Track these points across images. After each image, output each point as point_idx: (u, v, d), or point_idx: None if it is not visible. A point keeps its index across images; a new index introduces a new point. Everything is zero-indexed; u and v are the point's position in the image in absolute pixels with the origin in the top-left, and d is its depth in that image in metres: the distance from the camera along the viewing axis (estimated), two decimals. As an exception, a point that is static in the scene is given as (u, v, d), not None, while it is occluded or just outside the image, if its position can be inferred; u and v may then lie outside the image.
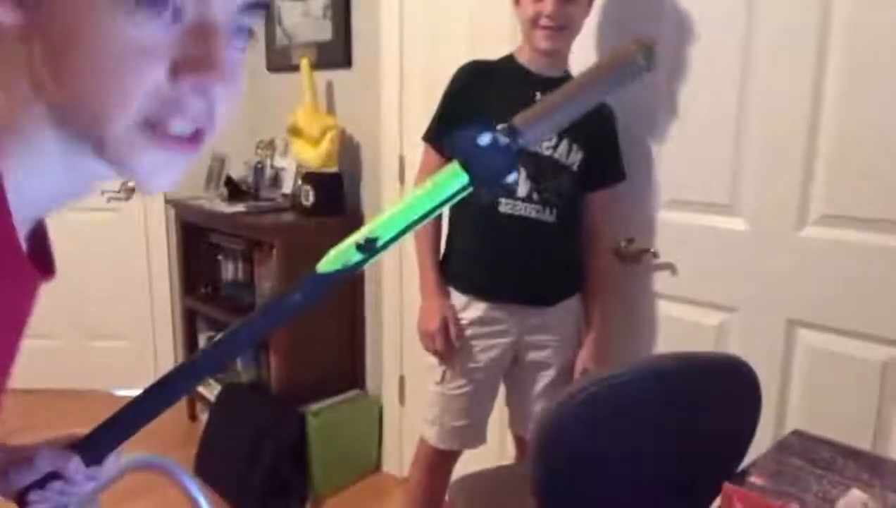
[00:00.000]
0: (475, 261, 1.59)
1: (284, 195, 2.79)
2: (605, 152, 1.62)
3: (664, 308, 1.69)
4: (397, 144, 2.37)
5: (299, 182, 2.60)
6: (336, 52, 2.59)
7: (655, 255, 1.66)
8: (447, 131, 1.59)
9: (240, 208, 2.66)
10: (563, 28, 1.48)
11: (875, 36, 1.30)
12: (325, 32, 2.64)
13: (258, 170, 2.94)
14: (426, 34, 2.23)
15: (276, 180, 2.89)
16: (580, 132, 1.54)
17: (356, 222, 2.61)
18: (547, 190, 1.54)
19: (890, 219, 1.32)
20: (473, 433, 1.68)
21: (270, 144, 2.96)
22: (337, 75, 2.65)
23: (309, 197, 2.49)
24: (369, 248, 0.62)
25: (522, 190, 1.53)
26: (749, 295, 1.53)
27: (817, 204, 1.41)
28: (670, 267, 1.65)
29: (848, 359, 1.40)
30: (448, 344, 1.59)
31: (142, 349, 3.28)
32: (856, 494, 0.89)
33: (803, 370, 1.47)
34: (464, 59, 2.05)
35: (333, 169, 2.51)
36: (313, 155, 2.48)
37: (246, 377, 2.86)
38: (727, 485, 0.92)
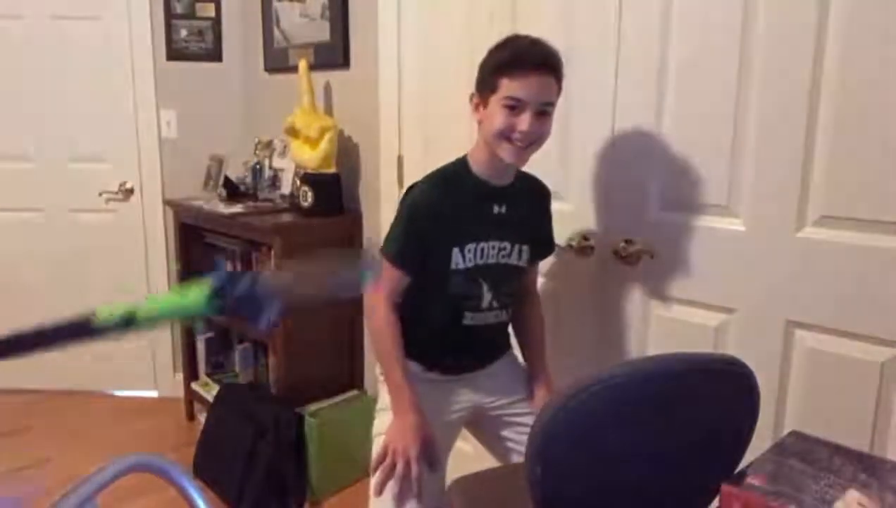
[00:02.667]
0: (437, 359, 1.59)
1: (283, 196, 2.80)
2: (544, 236, 1.65)
3: (662, 309, 1.69)
4: (396, 145, 2.38)
5: (298, 183, 2.60)
6: (334, 53, 2.60)
7: (653, 255, 1.67)
8: (415, 255, 1.48)
9: (238, 208, 2.66)
10: (535, 143, 1.41)
11: (873, 35, 1.30)
12: (322, 33, 2.64)
13: (256, 171, 2.95)
14: (424, 34, 2.23)
15: (274, 181, 2.89)
16: (527, 232, 1.56)
17: (355, 222, 2.62)
18: (504, 294, 1.56)
19: (889, 220, 1.32)
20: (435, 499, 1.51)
21: (269, 145, 2.96)
22: (335, 76, 2.65)
23: (307, 198, 2.49)
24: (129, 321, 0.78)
25: (485, 301, 1.53)
26: (748, 296, 1.53)
27: (816, 205, 1.41)
28: (669, 268, 1.66)
29: (846, 360, 1.40)
30: (422, 470, 1.40)
31: (140, 349, 3.28)
32: (853, 495, 0.89)
33: (802, 371, 1.47)
34: (462, 60, 2.06)
35: (332, 170, 2.52)
36: (311, 156, 2.48)
37: (244, 377, 2.86)
38: (725, 486, 0.92)
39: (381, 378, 1.57)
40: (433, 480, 1.47)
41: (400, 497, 1.40)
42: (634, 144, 1.69)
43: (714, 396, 1.08)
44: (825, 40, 1.36)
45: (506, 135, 1.39)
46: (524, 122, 1.37)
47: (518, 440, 1.60)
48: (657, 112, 1.64)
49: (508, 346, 1.70)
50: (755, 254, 1.50)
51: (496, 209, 1.51)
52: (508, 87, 1.37)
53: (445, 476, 1.57)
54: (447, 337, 1.56)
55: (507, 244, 1.53)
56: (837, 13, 1.34)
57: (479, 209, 1.50)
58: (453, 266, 1.49)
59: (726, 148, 1.53)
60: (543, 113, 1.40)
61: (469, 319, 1.54)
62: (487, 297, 1.53)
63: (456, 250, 1.48)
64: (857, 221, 1.36)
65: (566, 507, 1.02)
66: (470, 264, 1.50)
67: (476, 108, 1.46)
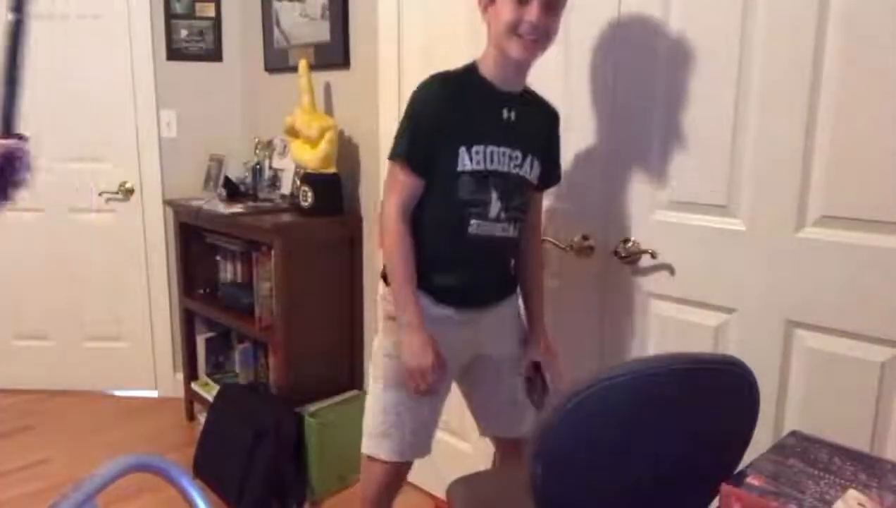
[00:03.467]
0: (446, 279, 1.55)
1: (283, 196, 2.79)
2: (554, 158, 1.65)
3: (662, 309, 1.69)
4: (396, 145, 2.37)
5: (298, 183, 2.60)
6: (334, 53, 2.60)
7: (654, 255, 1.67)
8: (424, 155, 1.48)
9: (238, 208, 2.66)
10: (542, 38, 1.41)
11: (873, 35, 1.30)
12: (323, 33, 2.64)
13: (256, 171, 2.95)
14: (424, 34, 2.23)
15: (274, 181, 2.89)
16: (539, 146, 1.55)
17: (355, 222, 2.61)
18: (514, 208, 1.54)
19: (889, 220, 1.32)
20: (429, 440, 1.63)
21: (269, 145, 2.96)
22: (335, 76, 2.65)
23: (307, 198, 2.49)
24: None
25: (493, 210, 1.51)
26: (747, 296, 1.53)
27: (816, 205, 1.41)
28: (668, 268, 1.66)
29: (846, 360, 1.40)
30: (439, 380, 1.51)
31: (140, 349, 3.28)
32: (853, 495, 0.89)
33: (801, 371, 1.47)
34: (462, 60, 2.05)
35: (332, 170, 2.52)
36: (311, 156, 2.48)
37: (244, 377, 2.86)
38: (725, 486, 0.92)
39: (382, 317, 1.59)
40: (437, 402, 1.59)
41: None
42: (634, 143, 1.69)
43: (714, 396, 1.08)
44: (825, 40, 1.36)
45: (514, 28, 1.39)
46: (532, 12, 1.37)
47: (505, 399, 1.65)
48: (657, 112, 1.64)
49: (515, 284, 1.68)
50: (755, 254, 1.50)
51: (505, 114, 1.49)
52: None
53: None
54: (453, 247, 1.52)
55: (518, 153, 1.50)
56: (837, 12, 1.34)
57: (488, 110, 1.48)
58: (460, 167, 1.46)
59: (726, 148, 1.53)
60: (552, 7, 1.40)
61: (475, 227, 1.50)
62: (496, 207, 1.50)
63: (463, 150, 1.46)
64: (857, 221, 1.36)
65: (566, 507, 1.02)
66: (478, 167, 1.47)
67: (484, 9, 1.46)
